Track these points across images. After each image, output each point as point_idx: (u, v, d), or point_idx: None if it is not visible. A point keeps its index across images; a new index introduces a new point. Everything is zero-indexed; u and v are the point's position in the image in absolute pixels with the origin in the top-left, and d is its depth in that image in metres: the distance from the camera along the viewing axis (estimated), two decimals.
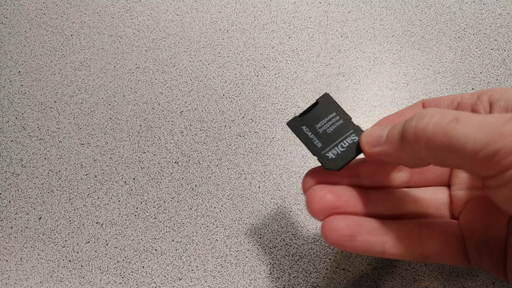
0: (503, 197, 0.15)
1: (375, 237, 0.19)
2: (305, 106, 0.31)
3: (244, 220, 0.27)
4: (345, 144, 0.20)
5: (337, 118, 0.20)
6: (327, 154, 0.20)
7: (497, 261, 0.19)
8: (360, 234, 0.19)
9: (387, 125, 0.19)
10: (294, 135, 0.30)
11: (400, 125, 0.17)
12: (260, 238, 0.26)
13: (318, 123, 0.20)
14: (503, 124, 0.14)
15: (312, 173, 0.21)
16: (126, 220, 0.27)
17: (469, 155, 0.14)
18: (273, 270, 0.25)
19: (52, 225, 0.27)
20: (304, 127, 0.20)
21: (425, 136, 0.15)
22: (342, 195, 0.20)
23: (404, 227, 0.20)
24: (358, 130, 0.20)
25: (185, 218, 0.27)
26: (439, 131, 0.15)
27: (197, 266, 0.26)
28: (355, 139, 0.20)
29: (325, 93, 0.21)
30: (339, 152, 0.20)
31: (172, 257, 0.26)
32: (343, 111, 0.20)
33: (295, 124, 0.20)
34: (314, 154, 0.20)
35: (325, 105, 0.21)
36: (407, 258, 0.20)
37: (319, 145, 0.20)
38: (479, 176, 0.15)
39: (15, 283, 0.25)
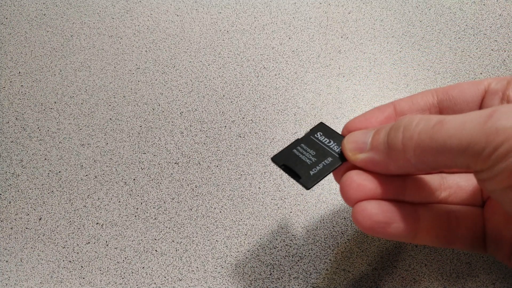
0: (494, 188, 0.15)
1: (408, 225, 0.19)
2: (305, 107, 0.31)
3: (244, 221, 0.27)
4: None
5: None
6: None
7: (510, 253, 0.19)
8: (395, 221, 0.18)
9: (368, 130, 0.19)
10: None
11: (385, 132, 0.18)
12: (260, 239, 0.26)
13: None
14: (485, 120, 0.14)
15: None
16: (126, 220, 0.27)
17: (456, 153, 0.15)
18: (273, 271, 0.25)
19: (52, 225, 0.27)
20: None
21: (413, 144, 0.16)
22: (376, 180, 0.19)
23: (434, 214, 0.20)
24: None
25: (185, 219, 0.27)
26: (425, 136, 0.16)
27: (197, 267, 0.26)
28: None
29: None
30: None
31: (172, 257, 0.26)
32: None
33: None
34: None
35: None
36: (434, 245, 0.20)
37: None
38: (470, 170, 0.16)
39: (15, 283, 0.25)
